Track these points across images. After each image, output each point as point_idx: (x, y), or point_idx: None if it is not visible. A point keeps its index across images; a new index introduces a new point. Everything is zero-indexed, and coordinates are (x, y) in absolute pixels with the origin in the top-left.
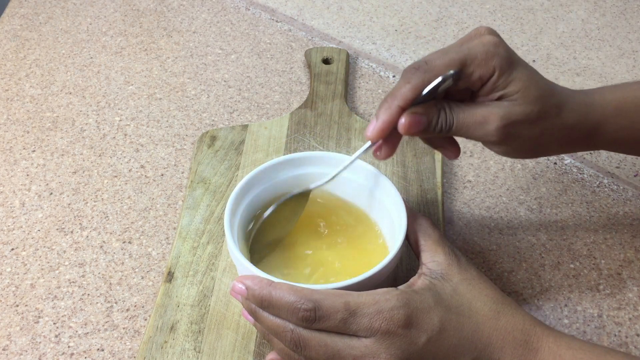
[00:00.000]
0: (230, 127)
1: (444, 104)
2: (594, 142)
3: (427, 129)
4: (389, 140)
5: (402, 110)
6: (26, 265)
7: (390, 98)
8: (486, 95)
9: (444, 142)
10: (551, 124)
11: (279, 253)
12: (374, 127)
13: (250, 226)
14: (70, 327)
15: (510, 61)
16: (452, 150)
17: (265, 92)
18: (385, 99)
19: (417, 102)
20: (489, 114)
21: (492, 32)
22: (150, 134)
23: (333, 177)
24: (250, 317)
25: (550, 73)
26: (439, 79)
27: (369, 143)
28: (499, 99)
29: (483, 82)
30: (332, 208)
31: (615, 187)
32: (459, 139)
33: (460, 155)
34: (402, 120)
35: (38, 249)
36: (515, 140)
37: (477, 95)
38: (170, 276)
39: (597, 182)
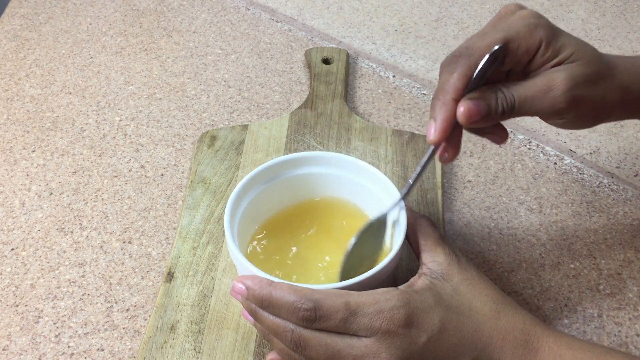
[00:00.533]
0: (230, 127)
1: (500, 85)
2: None
3: (489, 113)
4: (451, 139)
5: (457, 103)
6: (26, 265)
7: (440, 94)
8: (538, 68)
9: (494, 126)
10: (609, 85)
11: (281, 253)
12: (434, 129)
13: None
14: (70, 327)
15: (554, 29)
16: (500, 134)
17: (265, 92)
18: (436, 97)
19: (468, 89)
20: (552, 80)
21: (523, 7)
22: (150, 134)
23: (407, 194)
24: (250, 317)
25: None
26: (486, 57)
27: (431, 148)
28: (554, 66)
29: (530, 55)
30: (332, 208)
31: (615, 187)
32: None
33: (461, 155)
34: (461, 109)
35: (38, 249)
36: (582, 105)
37: (527, 72)
38: (170, 276)
39: (597, 182)
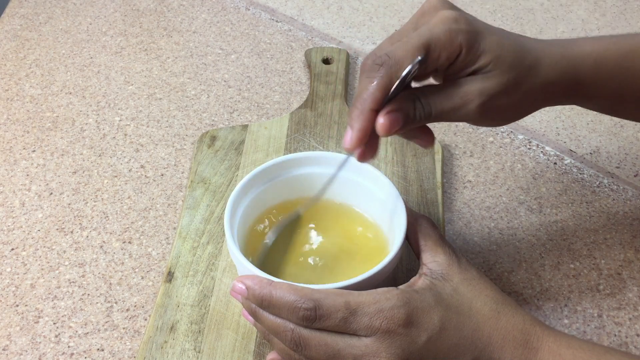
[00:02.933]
0: (230, 127)
1: (418, 94)
2: (577, 95)
3: (406, 124)
4: (368, 143)
5: (376, 113)
6: (26, 265)
7: (359, 103)
8: (457, 73)
9: (418, 132)
10: (530, 85)
11: (279, 253)
12: (350, 137)
13: (261, 253)
14: (70, 327)
15: (476, 33)
16: (426, 139)
17: (265, 92)
18: (354, 105)
19: (387, 99)
20: (466, 94)
21: (446, 4)
22: (150, 134)
23: (318, 196)
24: (250, 317)
25: None
26: (406, 70)
27: (345, 155)
28: (472, 73)
29: (451, 61)
30: (332, 208)
31: (615, 187)
32: (459, 139)
33: (460, 155)
34: (380, 121)
35: (38, 249)
36: (497, 112)
37: (447, 75)
38: (170, 276)
39: (597, 182)
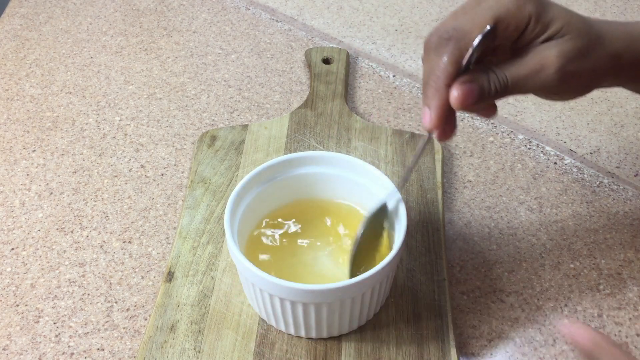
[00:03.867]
0: (230, 127)
1: (490, 65)
2: None
3: (482, 96)
4: (446, 121)
5: (449, 88)
6: (26, 265)
7: (432, 80)
8: (527, 44)
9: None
10: (600, 54)
11: (280, 253)
12: (430, 117)
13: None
14: (70, 327)
15: (542, 2)
16: (489, 109)
17: (265, 92)
18: (428, 83)
19: (459, 74)
20: (544, 58)
21: None
22: (150, 133)
23: (405, 183)
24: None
25: None
26: (477, 40)
27: (426, 135)
28: (544, 42)
29: (520, 31)
30: (332, 208)
31: (615, 187)
32: (459, 139)
33: (460, 155)
34: (455, 94)
35: (38, 249)
36: (574, 78)
37: (517, 48)
38: (170, 276)
39: (597, 182)
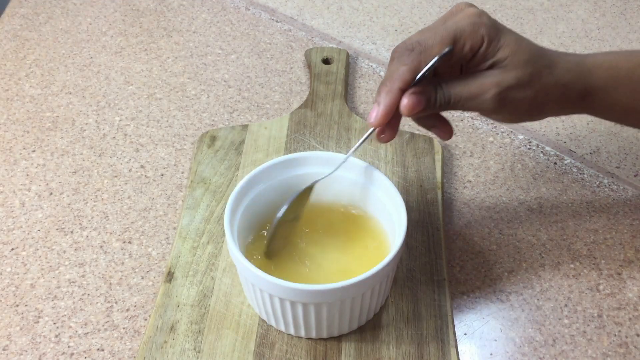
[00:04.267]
0: (230, 127)
1: (440, 81)
2: (590, 105)
3: (427, 107)
4: (390, 122)
5: (402, 92)
6: (26, 265)
7: (389, 82)
8: (477, 65)
9: (437, 121)
10: (544, 84)
11: (279, 251)
12: (377, 113)
13: (267, 230)
14: (70, 327)
15: (497, 28)
16: (445, 130)
17: (265, 92)
18: (384, 83)
19: (413, 83)
20: (483, 84)
21: (472, 5)
22: (150, 134)
23: (336, 169)
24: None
25: None
26: (436, 58)
27: (370, 129)
28: (490, 67)
29: (474, 52)
30: (332, 208)
31: (615, 187)
32: (459, 139)
33: (460, 155)
34: (404, 102)
35: (38, 249)
36: (511, 105)
37: (468, 67)
38: (170, 276)
39: (597, 182)
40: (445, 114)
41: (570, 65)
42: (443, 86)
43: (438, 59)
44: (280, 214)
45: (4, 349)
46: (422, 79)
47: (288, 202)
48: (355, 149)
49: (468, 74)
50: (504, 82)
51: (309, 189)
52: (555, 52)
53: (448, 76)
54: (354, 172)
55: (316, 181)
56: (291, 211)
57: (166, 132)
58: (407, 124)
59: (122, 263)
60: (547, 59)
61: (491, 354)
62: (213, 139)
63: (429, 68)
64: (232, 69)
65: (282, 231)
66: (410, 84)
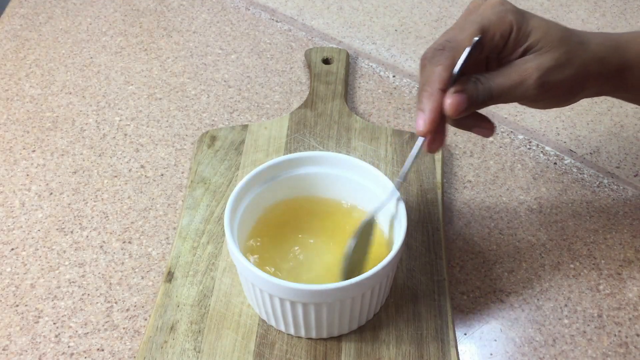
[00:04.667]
0: (230, 127)
1: (477, 76)
2: (628, 80)
3: (471, 104)
4: (438, 129)
5: (443, 93)
6: (26, 265)
7: (428, 86)
8: (511, 54)
9: (476, 120)
10: (583, 60)
11: (281, 253)
12: (424, 120)
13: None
14: (70, 327)
15: (522, 13)
16: (486, 126)
17: (265, 92)
18: (423, 89)
19: (451, 82)
20: (523, 70)
21: None
22: (150, 134)
23: (392, 196)
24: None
25: None
26: (467, 49)
27: (420, 140)
28: (524, 53)
29: (505, 40)
30: (332, 208)
31: (615, 187)
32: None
33: (460, 155)
34: (448, 102)
35: (38, 249)
36: (554, 88)
37: (502, 58)
38: (170, 276)
39: (597, 182)
40: None
41: (604, 40)
42: (482, 80)
43: (470, 51)
44: (348, 249)
45: (4, 349)
46: (459, 78)
47: (355, 235)
48: (410, 167)
49: (505, 65)
50: (544, 65)
51: (369, 224)
52: (584, 31)
53: (486, 72)
54: (354, 171)
55: (375, 212)
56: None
57: (166, 132)
58: (407, 124)
59: (122, 263)
60: (579, 36)
61: (491, 354)
62: (213, 139)
63: (464, 62)
64: (232, 69)
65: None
66: (449, 84)
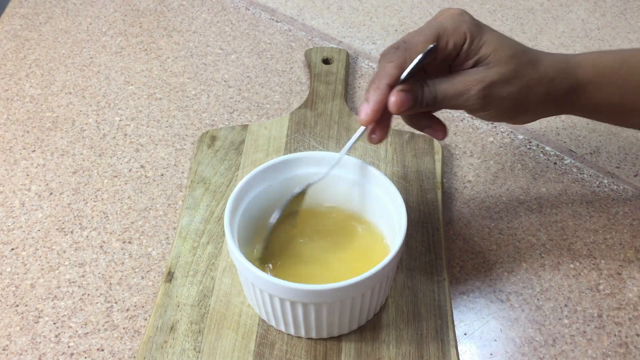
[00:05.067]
0: (230, 127)
1: (426, 80)
2: (576, 102)
3: (415, 104)
4: (380, 122)
5: (390, 89)
6: (26, 265)
7: (377, 79)
8: (462, 64)
9: (430, 121)
10: (528, 80)
11: (281, 254)
12: (366, 110)
13: (266, 234)
14: (70, 327)
15: (478, 26)
16: (439, 129)
17: (265, 92)
18: (372, 82)
19: (400, 81)
20: (468, 81)
21: (456, 8)
22: (150, 134)
23: (329, 170)
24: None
25: None
26: (421, 54)
27: (361, 129)
28: (475, 64)
29: (457, 50)
30: (332, 208)
31: (615, 187)
32: (459, 139)
33: (460, 155)
34: (392, 99)
35: (38, 249)
36: (497, 102)
37: (454, 66)
38: (170, 276)
39: (597, 182)
40: (448, 113)
41: (555, 61)
42: (429, 83)
43: (423, 56)
44: (273, 219)
45: (4, 349)
46: (410, 78)
47: (280, 207)
48: (348, 150)
49: (453, 72)
50: (488, 78)
51: (302, 193)
52: (539, 51)
53: (437, 76)
54: (353, 172)
55: (309, 184)
56: (286, 215)
57: (166, 132)
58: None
59: (122, 263)
60: (530, 55)
61: (491, 354)
62: (213, 139)
63: (415, 65)
64: (232, 69)
65: (279, 235)
66: (397, 80)
